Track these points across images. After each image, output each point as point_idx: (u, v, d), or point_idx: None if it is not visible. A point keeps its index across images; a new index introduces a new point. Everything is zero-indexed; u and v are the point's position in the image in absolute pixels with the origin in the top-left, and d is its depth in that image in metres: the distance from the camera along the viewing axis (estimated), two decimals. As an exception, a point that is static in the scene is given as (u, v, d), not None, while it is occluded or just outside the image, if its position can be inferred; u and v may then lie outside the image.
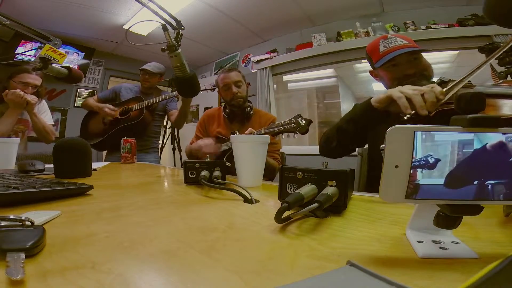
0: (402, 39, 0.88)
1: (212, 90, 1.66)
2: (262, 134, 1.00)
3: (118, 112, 1.74)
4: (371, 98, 0.75)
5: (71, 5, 2.40)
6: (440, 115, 0.62)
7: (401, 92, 0.63)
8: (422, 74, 0.85)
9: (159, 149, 2.08)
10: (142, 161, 1.66)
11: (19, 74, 1.44)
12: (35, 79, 1.48)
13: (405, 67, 0.86)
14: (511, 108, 0.56)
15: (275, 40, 3.22)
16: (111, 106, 1.74)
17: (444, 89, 0.61)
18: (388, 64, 0.87)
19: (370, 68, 1.00)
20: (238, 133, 1.28)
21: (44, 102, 1.63)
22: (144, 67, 1.81)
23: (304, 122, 0.93)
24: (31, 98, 1.40)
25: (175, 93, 1.71)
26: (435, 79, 0.85)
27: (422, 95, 0.61)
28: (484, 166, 0.22)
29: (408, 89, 0.63)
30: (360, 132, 0.83)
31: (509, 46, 0.57)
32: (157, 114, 1.87)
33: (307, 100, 3.45)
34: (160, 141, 2.14)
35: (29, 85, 1.45)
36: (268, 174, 1.16)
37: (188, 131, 2.30)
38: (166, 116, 1.94)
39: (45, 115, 1.59)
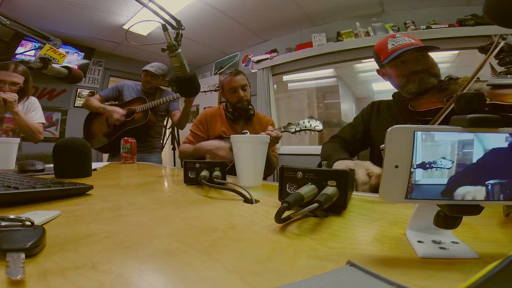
0: (410, 38, 0.90)
1: (216, 90, 1.65)
2: (282, 132, 1.19)
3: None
4: (341, 159, 0.79)
5: (71, 5, 2.40)
6: None
7: (365, 183, 0.66)
8: (429, 71, 0.87)
9: (161, 149, 2.07)
10: (146, 161, 1.67)
11: None
12: (12, 76, 1.41)
13: (412, 64, 0.88)
14: None
15: (275, 40, 3.22)
16: (120, 110, 1.69)
17: None
18: (396, 61, 0.90)
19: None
20: (248, 132, 1.30)
21: (34, 100, 1.58)
22: (147, 68, 1.78)
23: (318, 121, 1.15)
24: (10, 96, 1.36)
25: (178, 94, 1.70)
26: (442, 78, 0.87)
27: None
28: (484, 166, 0.22)
29: (375, 177, 0.65)
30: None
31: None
32: (159, 114, 1.86)
33: (307, 100, 3.44)
34: (161, 141, 2.13)
35: (6, 83, 1.39)
36: (267, 170, 1.17)
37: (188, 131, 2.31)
38: (168, 116, 1.93)
39: (35, 113, 1.55)
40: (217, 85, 1.62)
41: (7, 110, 1.40)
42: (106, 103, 1.82)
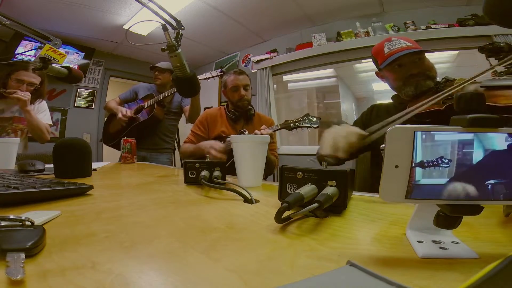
0: (406, 41, 0.92)
1: (218, 76, 1.64)
2: (279, 129, 1.23)
3: (133, 111, 1.80)
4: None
5: (71, 5, 2.39)
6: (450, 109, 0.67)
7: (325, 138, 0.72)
8: (425, 74, 0.88)
9: (173, 150, 2.09)
10: (155, 162, 1.67)
11: (16, 72, 1.44)
12: (31, 76, 1.46)
13: (409, 67, 0.89)
14: None
15: (275, 40, 3.21)
16: (123, 110, 1.78)
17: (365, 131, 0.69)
18: (393, 64, 0.91)
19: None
20: (247, 131, 1.32)
21: (44, 102, 1.62)
22: (153, 65, 1.87)
23: (314, 119, 1.18)
24: (23, 94, 1.39)
25: None
26: (439, 79, 0.88)
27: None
28: (484, 166, 0.22)
29: (329, 136, 0.71)
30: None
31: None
32: (172, 112, 1.89)
33: (307, 100, 3.44)
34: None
35: (24, 83, 1.44)
36: (267, 169, 1.19)
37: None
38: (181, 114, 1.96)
39: (44, 115, 1.58)
40: (219, 71, 1.63)
41: (19, 108, 1.43)
42: (125, 104, 1.91)
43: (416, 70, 0.88)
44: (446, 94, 0.61)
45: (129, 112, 1.78)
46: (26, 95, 1.41)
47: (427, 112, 0.72)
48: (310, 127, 1.18)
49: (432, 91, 0.84)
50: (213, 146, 1.21)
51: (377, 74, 1.03)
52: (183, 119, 1.93)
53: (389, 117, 0.95)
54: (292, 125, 1.21)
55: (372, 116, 1.02)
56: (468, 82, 0.61)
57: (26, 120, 1.46)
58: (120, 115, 1.74)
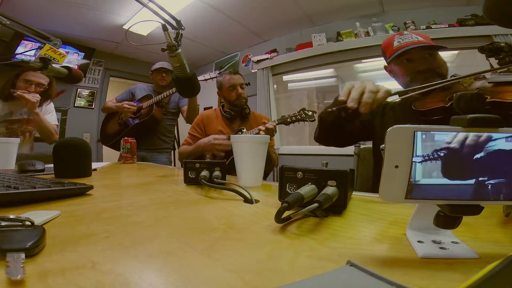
0: (418, 35, 0.88)
1: (216, 77, 1.66)
2: (276, 124, 1.26)
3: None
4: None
5: (71, 5, 2.39)
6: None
7: (351, 85, 0.66)
8: (435, 71, 0.85)
9: (172, 150, 2.09)
10: (155, 162, 1.67)
11: (24, 72, 1.45)
12: (38, 77, 1.47)
13: (418, 63, 0.86)
14: None
15: (275, 40, 3.21)
16: (129, 102, 1.78)
17: (394, 91, 0.64)
18: (401, 58, 0.88)
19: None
20: (245, 128, 1.34)
21: (51, 103, 1.63)
22: (159, 66, 1.84)
23: (310, 113, 1.23)
24: (33, 96, 1.39)
25: None
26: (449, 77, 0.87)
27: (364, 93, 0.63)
28: (484, 166, 0.22)
29: (358, 84, 0.65)
30: (342, 124, 0.85)
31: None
32: (170, 112, 1.89)
33: (307, 100, 3.44)
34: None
35: (32, 83, 1.45)
36: (267, 166, 1.22)
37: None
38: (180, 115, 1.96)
39: (51, 115, 1.60)
40: (217, 72, 1.64)
41: (28, 110, 1.44)
42: None
43: (425, 66, 0.84)
44: (447, 82, 0.60)
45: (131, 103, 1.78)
46: (36, 97, 1.41)
47: (432, 109, 0.72)
48: (307, 120, 1.23)
49: (439, 89, 0.83)
50: (215, 138, 1.23)
51: (385, 68, 1.01)
52: (183, 119, 1.94)
53: (394, 115, 0.93)
54: (289, 119, 1.25)
55: (378, 110, 0.99)
56: (471, 76, 0.61)
57: (35, 122, 1.47)
58: (126, 106, 1.74)
